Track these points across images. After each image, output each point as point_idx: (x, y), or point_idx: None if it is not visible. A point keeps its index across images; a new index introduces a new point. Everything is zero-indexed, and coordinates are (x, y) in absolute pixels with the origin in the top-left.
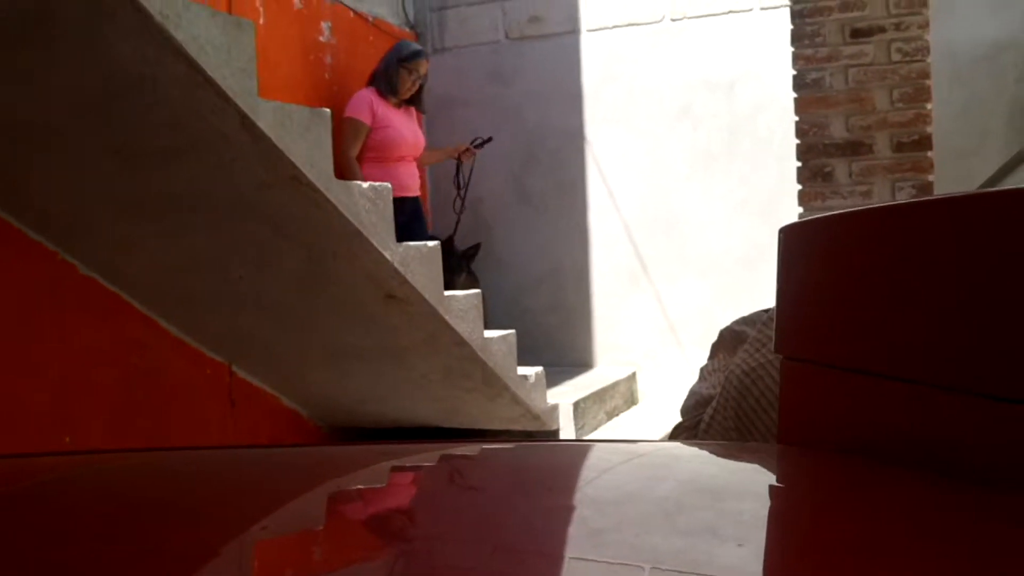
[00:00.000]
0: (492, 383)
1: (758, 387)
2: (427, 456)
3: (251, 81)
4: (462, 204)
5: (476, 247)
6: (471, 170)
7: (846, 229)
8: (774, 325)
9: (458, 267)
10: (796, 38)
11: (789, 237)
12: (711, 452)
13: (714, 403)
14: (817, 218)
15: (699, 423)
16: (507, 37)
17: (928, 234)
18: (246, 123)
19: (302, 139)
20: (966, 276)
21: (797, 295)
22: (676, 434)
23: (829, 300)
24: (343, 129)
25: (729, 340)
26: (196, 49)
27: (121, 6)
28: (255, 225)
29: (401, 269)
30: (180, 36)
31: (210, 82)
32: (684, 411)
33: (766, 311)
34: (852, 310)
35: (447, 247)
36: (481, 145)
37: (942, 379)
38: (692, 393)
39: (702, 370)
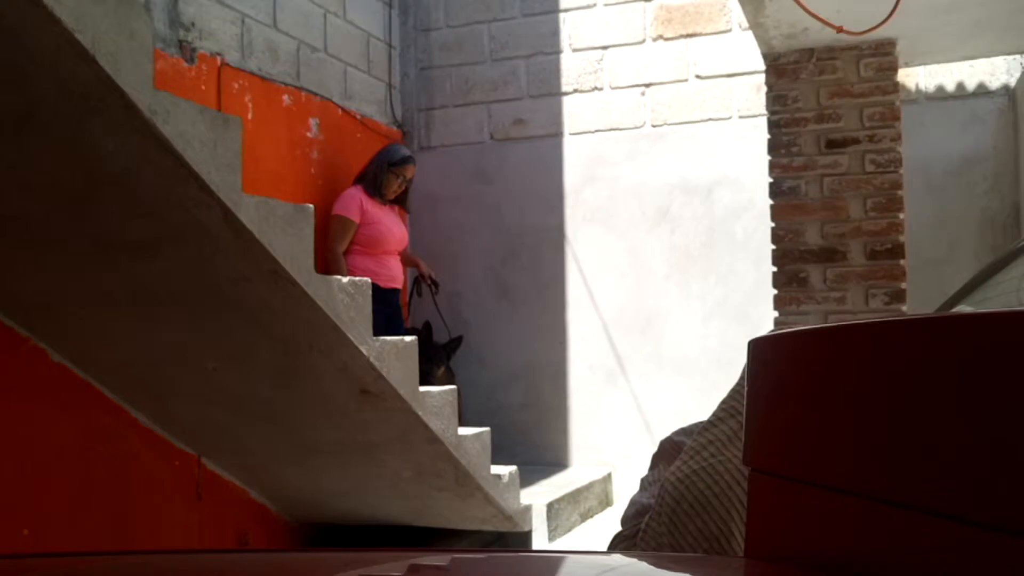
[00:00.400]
0: (465, 482)
1: (692, 493)
2: (394, 566)
3: (236, 176)
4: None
5: (458, 340)
6: (435, 301)
7: (814, 344)
8: (707, 435)
9: (437, 360)
10: (773, 147)
11: (758, 350)
12: (679, 566)
13: (651, 512)
14: (785, 332)
15: (638, 532)
16: (492, 138)
17: (896, 354)
18: (228, 217)
19: (284, 234)
20: (933, 397)
21: (765, 408)
22: (615, 544)
23: (796, 415)
24: (332, 226)
25: (669, 451)
26: (183, 144)
27: (110, 102)
28: (232, 317)
29: (377, 364)
30: (167, 131)
31: (194, 176)
32: (624, 520)
33: (701, 422)
34: (818, 426)
35: (426, 340)
36: (436, 286)
37: (906, 498)
38: (633, 503)
39: (643, 480)
